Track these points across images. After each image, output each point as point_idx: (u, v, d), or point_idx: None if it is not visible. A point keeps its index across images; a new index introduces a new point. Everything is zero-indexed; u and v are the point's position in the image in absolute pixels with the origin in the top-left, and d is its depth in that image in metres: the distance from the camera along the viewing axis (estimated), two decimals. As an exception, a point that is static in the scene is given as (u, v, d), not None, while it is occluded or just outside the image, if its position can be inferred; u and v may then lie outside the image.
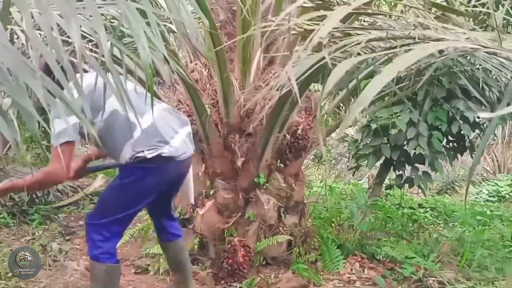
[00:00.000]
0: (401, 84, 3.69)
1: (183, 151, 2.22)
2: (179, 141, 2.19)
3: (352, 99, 5.13)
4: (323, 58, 1.24)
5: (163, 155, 2.12)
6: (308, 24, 1.37)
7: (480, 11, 2.48)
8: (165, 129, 2.16)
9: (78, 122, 2.01)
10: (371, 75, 3.01)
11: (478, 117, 3.98)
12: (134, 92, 2.09)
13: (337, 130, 4.01)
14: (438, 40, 1.44)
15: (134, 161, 2.11)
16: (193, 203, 2.92)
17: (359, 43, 1.38)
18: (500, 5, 2.56)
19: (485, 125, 3.98)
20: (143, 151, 2.09)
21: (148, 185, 2.20)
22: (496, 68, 1.70)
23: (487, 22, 2.53)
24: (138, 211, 2.36)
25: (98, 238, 2.20)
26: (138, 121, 1.93)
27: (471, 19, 2.77)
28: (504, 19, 2.45)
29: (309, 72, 1.44)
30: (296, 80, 1.41)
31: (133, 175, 2.16)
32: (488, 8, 1.93)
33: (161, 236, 2.62)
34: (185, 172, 2.40)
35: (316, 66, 1.34)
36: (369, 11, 1.89)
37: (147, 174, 2.15)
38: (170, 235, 2.58)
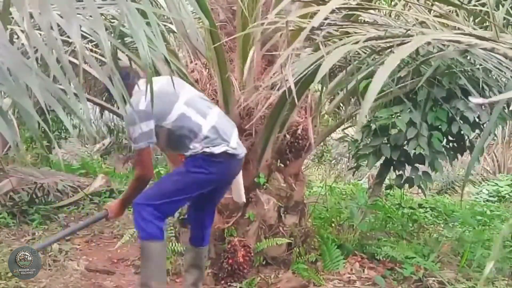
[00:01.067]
0: (402, 84, 3.70)
1: (241, 150, 2.46)
2: (235, 142, 2.43)
3: (352, 99, 5.13)
4: (322, 57, 1.24)
5: (228, 151, 2.35)
6: (303, 22, 1.37)
7: (480, 11, 2.47)
8: (224, 130, 2.39)
9: (153, 128, 2.27)
10: (370, 75, 3.00)
11: (478, 117, 3.98)
12: (198, 97, 2.48)
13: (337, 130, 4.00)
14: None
15: (203, 154, 2.33)
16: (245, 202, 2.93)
17: (357, 42, 1.38)
18: (500, 5, 2.56)
19: (485, 125, 3.98)
20: (209, 147, 2.33)
21: (209, 177, 2.39)
22: (496, 67, 1.70)
23: (487, 23, 2.53)
24: (190, 199, 2.52)
25: (151, 217, 2.34)
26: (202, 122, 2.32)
27: (471, 20, 2.77)
28: (504, 18, 2.45)
29: (308, 71, 1.44)
30: (295, 80, 1.41)
31: (200, 167, 2.36)
32: (488, 7, 1.93)
33: (196, 242, 2.71)
34: (239, 171, 2.60)
35: (315, 65, 1.34)
36: (366, 6, 1.89)
37: (212, 167, 2.36)
38: (204, 241, 2.72)
